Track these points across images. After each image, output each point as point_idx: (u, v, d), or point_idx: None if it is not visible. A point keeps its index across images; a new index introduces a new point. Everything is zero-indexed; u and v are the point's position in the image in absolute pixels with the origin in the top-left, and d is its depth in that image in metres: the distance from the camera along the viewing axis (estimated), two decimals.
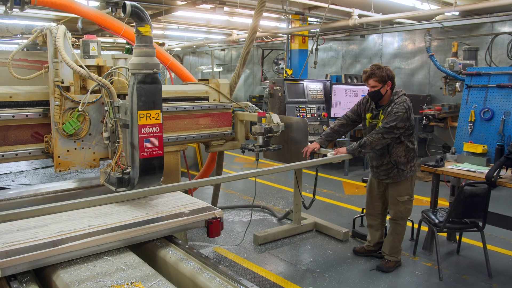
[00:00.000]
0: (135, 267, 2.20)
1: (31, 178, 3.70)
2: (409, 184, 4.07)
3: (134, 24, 3.09)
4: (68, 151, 3.01)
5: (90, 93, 2.98)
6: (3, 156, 2.90)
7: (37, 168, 4.07)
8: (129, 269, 2.16)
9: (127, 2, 2.62)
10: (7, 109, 2.89)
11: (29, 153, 3.00)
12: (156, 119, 2.76)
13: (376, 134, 3.84)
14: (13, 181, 3.62)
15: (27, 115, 2.94)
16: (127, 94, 2.89)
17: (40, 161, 4.13)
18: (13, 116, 2.89)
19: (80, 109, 2.95)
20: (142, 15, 2.69)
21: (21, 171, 3.94)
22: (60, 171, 3.00)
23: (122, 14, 2.71)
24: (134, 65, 2.70)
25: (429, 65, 10.07)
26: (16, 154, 2.95)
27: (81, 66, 2.86)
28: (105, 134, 2.99)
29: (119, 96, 3.02)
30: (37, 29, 3.08)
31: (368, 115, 4.10)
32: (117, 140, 2.90)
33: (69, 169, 3.01)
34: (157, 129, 2.77)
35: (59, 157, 2.98)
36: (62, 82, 2.92)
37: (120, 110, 2.85)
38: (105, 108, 2.93)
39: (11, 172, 3.89)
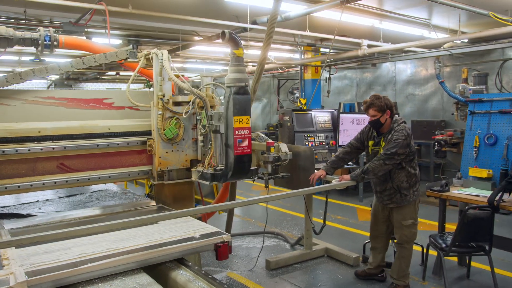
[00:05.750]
0: (147, 286, 2.40)
1: (56, 206, 3.98)
2: (412, 208, 4.19)
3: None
4: (167, 152, 3.65)
5: (185, 106, 3.65)
6: (31, 185, 3.21)
7: (62, 197, 4.37)
8: None
9: (226, 30, 3.20)
10: (36, 142, 3.21)
11: (55, 182, 3.29)
12: (246, 123, 3.30)
13: (378, 160, 4.01)
14: (40, 209, 3.90)
15: (53, 148, 3.26)
16: (214, 105, 3.64)
17: (65, 190, 4.45)
18: (41, 149, 3.21)
19: (182, 116, 3.61)
20: (237, 40, 3.25)
21: (47, 200, 4.24)
22: (160, 169, 3.64)
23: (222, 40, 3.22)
24: (230, 80, 3.26)
25: (442, 91, 10.13)
26: (43, 184, 3.25)
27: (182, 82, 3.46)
28: (200, 138, 3.59)
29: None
30: (142, 54, 3.74)
31: (370, 143, 4.29)
32: (210, 143, 3.46)
33: (167, 168, 3.66)
34: (247, 132, 3.30)
35: (160, 157, 3.62)
36: (164, 96, 3.53)
37: (213, 118, 3.39)
38: (197, 117, 3.58)
39: (38, 201, 4.19)
